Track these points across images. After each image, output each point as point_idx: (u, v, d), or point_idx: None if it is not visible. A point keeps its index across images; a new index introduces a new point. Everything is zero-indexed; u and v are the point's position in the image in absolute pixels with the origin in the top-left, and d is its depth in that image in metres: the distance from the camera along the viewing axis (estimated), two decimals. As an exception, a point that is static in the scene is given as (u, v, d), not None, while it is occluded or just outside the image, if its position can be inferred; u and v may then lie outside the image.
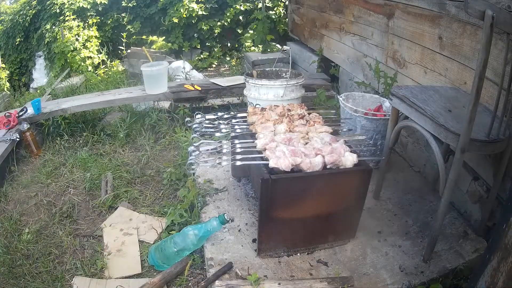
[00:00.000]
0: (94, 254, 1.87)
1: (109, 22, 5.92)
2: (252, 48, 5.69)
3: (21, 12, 6.43)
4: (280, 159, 1.46)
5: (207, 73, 5.32)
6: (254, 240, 1.70)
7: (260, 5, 5.82)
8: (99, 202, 2.25)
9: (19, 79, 6.31)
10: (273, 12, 5.93)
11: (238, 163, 1.52)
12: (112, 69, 5.44)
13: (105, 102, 3.18)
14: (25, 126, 2.74)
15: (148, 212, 2.18)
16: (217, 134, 1.82)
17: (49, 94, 4.07)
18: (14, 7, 7.18)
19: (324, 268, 1.57)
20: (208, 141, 1.77)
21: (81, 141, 3.01)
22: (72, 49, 5.35)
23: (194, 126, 1.86)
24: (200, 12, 5.77)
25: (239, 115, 1.97)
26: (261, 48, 5.35)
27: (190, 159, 1.64)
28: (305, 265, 1.59)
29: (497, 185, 1.61)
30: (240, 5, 5.97)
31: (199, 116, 1.92)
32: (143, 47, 5.08)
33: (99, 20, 5.87)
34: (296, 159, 1.47)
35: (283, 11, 5.95)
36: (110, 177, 2.47)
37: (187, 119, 2.07)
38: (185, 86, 3.47)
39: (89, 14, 5.82)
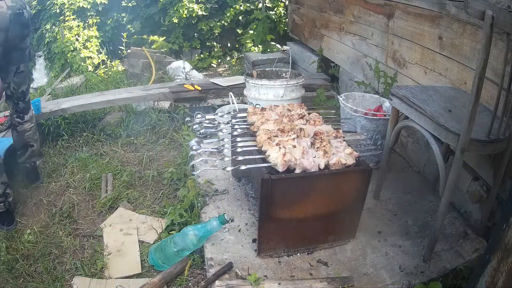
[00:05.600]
0: (94, 254, 1.87)
1: (109, 22, 5.91)
2: (252, 48, 5.69)
3: (21, 12, 6.42)
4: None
5: (207, 73, 5.33)
6: (254, 240, 1.70)
7: (260, 5, 5.82)
8: (99, 202, 2.25)
9: (19, 79, 6.30)
10: (273, 12, 5.93)
11: (243, 167, 1.52)
12: (112, 69, 5.43)
13: (105, 102, 3.18)
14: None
15: (148, 212, 2.18)
16: (219, 134, 1.82)
17: (49, 94, 4.08)
18: (14, 7, 7.17)
19: (324, 268, 1.57)
20: (209, 140, 1.78)
21: (81, 141, 3.01)
22: (72, 49, 5.35)
23: (194, 126, 1.86)
24: (200, 13, 5.77)
25: (239, 115, 1.97)
26: (261, 48, 5.35)
27: (191, 154, 1.65)
28: (305, 265, 1.59)
29: (497, 185, 1.61)
30: (240, 5, 5.97)
31: (199, 116, 1.92)
32: (143, 47, 5.08)
33: (99, 20, 5.86)
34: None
35: (283, 11, 5.95)
36: (110, 177, 2.47)
37: (187, 119, 2.07)
38: (185, 86, 3.47)
39: (89, 14, 5.81)
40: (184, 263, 1.70)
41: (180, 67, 4.63)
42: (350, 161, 1.53)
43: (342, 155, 1.53)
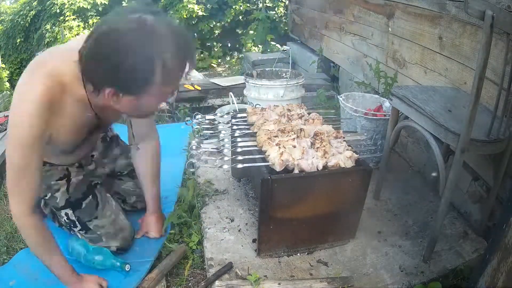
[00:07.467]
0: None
1: (109, 22, 5.93)
2: (252, 48, 5.70)
3: (21, 13, 6.44)
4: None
5: (207, 73, 5.33)
6: (254, 240, 1.70)
7: (260, 5, 5.83)
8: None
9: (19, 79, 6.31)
10: (273, 12, 5.94)
11: (239, 165, 1.52)
12: (112, 69, 5.44)
13: (105, 102, 3.17)
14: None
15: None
16: (219, 134, 1.82)
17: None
18: (14, 7, 7.19)
19: (324, 268, 1.57)
20: (209, 140, 1.78)
21: (81, 141, 3.00)
22: (72, 49, 5.36)
23: (193, 126, 1.86)
24: (200, 13, 5.78)
25: (239, 115, 1.97)
26: (261, 48, 5.36)
27: (191, 154, 1.64)
28: (305, 265, 1.59)
29: (497, 185, 1.61)
30: (240, 6, 5.97)
31: (198, 116, 1.92)
32: (143, 47, 5.08)
33: (99, 20, 5.88)
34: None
35: (283, 11, 5.96)
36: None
37: (187, 119, 2.07)
38: (185, 86, 3.48)
39: (89, 14, 5.83)
40: (179, 252, 1.68)
41: (180, 67, 4.62)
42: (349, 164, 1.52)
43: (341, 157, 1.53)
